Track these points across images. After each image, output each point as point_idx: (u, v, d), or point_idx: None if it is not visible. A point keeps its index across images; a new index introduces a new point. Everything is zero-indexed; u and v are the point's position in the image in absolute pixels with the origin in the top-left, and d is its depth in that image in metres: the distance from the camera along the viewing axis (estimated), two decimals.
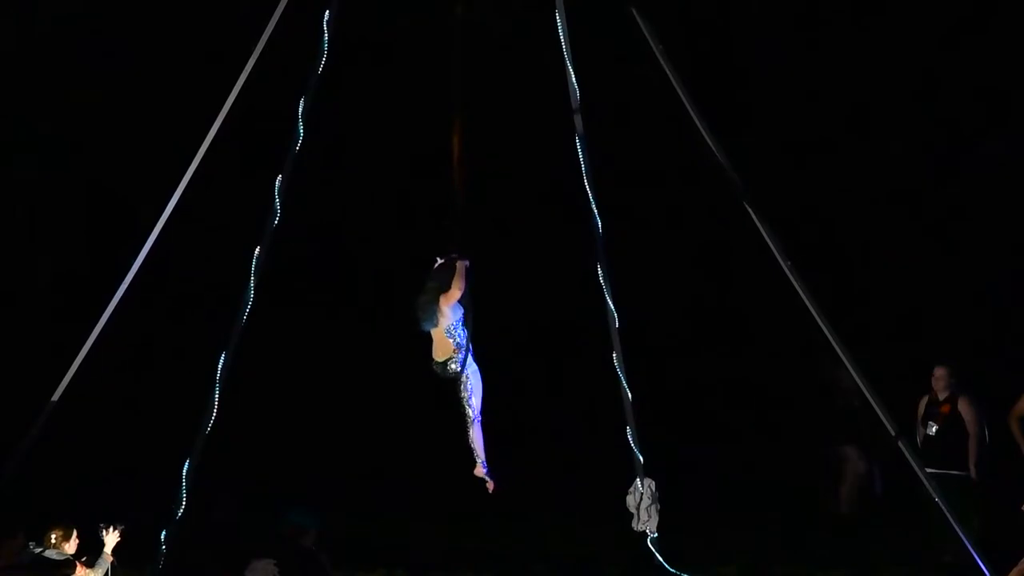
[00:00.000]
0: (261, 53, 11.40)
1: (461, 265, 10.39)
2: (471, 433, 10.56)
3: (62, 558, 9.76)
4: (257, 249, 11.57)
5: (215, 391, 11.47)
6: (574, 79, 11.99)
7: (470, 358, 10.39)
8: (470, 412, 10.50)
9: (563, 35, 11.93)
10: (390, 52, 16.30)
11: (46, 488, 12.27)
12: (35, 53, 16.34)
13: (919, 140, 16.30)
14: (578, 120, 12.07)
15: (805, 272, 11.31)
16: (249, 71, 11.40)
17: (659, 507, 12.38)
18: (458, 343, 10.32)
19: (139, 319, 12.51)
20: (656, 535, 12.42)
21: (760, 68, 16.54)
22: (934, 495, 11.05)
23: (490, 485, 10.63)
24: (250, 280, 11.56)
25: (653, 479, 12.45)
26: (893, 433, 11.16)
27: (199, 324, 13.45)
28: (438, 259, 10.55)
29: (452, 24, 10.81)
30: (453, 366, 10.39)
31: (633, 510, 12.44)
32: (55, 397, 11.46)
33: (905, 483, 11.76)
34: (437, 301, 10.29)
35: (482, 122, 11.00)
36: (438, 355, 10.38)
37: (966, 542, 10.91)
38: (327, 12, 11.51)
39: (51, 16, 16.27)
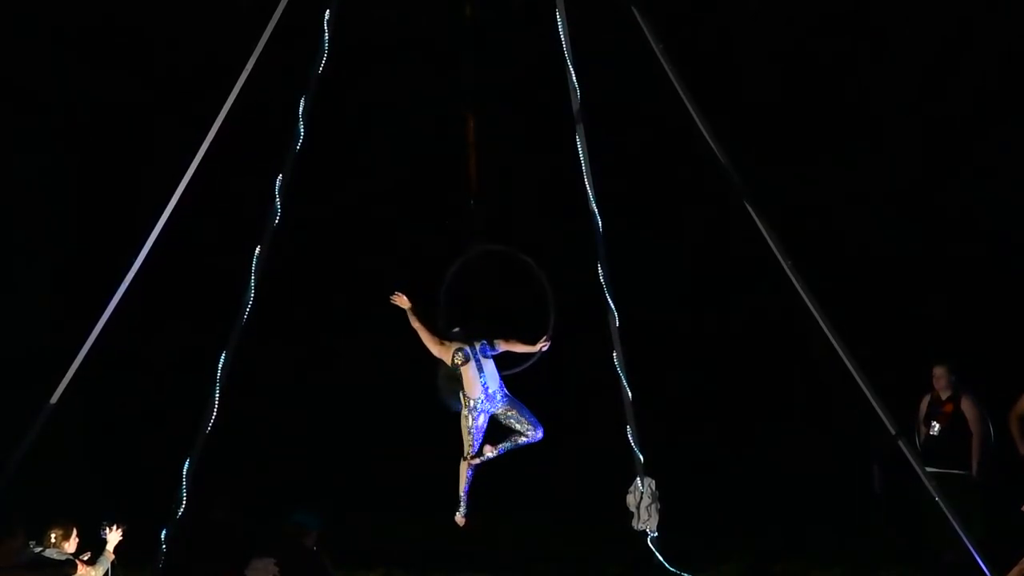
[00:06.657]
0: (261, 53, 11.40)
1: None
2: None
3: (62, 557, 9.77)
4: (257, 249, 11.58)
5: (215, 391, 11.48)
6: (574, 78, 11.99)
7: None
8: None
9: (563, 34, 11.93)
10: (391, 52, 16.28)
11: (46, 488, 12.25)
12: (33, 53, 16.34)
13: (920, 140, 16.28)
14: (578, 119, 12.07)
15: (805, 272, 11.31)
16: (249, 71, 11.40)
17: (659, 506, 12.40)
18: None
19: (139, 319, 12.50)
20: (656, 534, 12.44)
21: (760, 67, 16.53)
22: (935, 494, 11.04)
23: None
24: (250, 280, 11.57)
25: (653, 478, 12.46)
26: (893, 432, 11.15)
27: (199, 323, 13.44)
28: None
29: (462, 24, 10.84)
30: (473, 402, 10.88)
31: (633, 509, 12.46)
32: (53, 400, 11.45)
33: (905, 482, 11.76)
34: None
35: (482, 122, 11.01)
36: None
37: (967, 542, 10.90)
38: (327, 12, 11.52)
39: (49, 16, 16.26)
